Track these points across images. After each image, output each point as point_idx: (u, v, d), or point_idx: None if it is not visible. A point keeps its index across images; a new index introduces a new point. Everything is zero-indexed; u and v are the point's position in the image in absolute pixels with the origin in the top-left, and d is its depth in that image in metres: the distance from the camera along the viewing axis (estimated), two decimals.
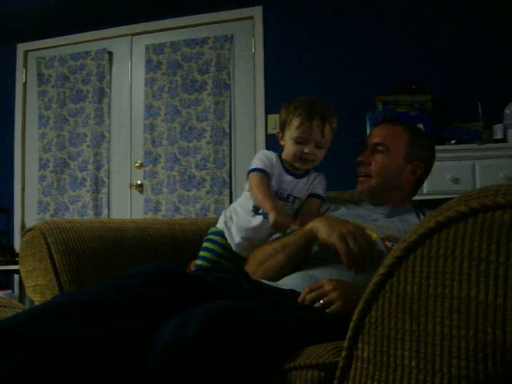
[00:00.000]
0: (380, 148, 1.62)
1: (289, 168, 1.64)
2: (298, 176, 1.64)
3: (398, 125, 1.68)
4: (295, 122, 1.56)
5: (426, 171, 1.69)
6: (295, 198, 1.64)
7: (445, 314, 0.60)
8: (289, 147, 1.60)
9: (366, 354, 0.68)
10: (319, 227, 1.33)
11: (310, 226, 1.38)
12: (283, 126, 1.63)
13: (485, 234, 0.58)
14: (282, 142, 1.66)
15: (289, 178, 1.63)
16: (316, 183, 1.67)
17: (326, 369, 0.77)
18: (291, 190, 1.63)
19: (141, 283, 0.94)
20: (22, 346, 0.72)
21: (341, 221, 1.34)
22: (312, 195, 1.66)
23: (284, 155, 1.65)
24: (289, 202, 1.63)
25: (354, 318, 0.70)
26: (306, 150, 1.57)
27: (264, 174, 1.60)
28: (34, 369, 0.71)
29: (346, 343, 0.71)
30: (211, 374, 0.78)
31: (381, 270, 0.67)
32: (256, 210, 1.61)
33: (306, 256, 1.43)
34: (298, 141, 1.57)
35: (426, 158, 1.67)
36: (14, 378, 0.69)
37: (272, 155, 1.65)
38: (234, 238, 1.62)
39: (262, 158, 1.64)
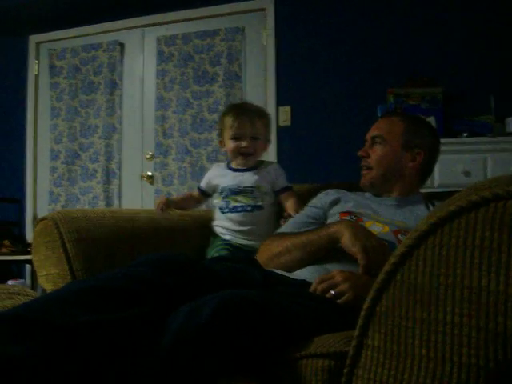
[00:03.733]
0: (377, 140, 1.67)
1: (234, 167, 1.87)
2: (243, 170, 1.83)
3: (394, 116, 1.76)
4: (228, 123, 1.79)
5: (430, 158, 1.69)
6: (249, 187, 1.80)
7: (456, 304, 0.60)
8: (229, 146, 1.83)
9: (376, 343, 0.69)
10: (344, 233, 1.32)
11: (334, 228, 1.37)
12: (221, 132, 1.87)
13: (496, 223, 0.58)
14: (223, 149, 1.90)
15: (234, 173, 1.84)
16: (277, 176, 1.85)
17: (336, 357, 0.78)
18: (240, 182, 1.81)
19: (152, 271, 0.95)
20: (35, 332, 0.73)
21: (367, 232, 1.34)
22: (282, 190, 1.86)
23: (229, 157, 1.89)
24: (247, 193, 1.79)
25: (365, 307, 0.70)
26: (243, 144, 1.80)
27: (198, 190, 1.95)
28: (46, 354, 0.72)
29: (356, 332, 0.72)
30: (222, 362, 0.79)
31: (392, 260, 0.67)
32: (221, 210, 1.83)
33: (324, 256, 1.42)
34: (235, 137, 1.81)
35: (426, 144, 1.67)
36: (28, 362, 0.70)
37: (212, 169, 1.96)
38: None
39: (205, 176, 1.94)
